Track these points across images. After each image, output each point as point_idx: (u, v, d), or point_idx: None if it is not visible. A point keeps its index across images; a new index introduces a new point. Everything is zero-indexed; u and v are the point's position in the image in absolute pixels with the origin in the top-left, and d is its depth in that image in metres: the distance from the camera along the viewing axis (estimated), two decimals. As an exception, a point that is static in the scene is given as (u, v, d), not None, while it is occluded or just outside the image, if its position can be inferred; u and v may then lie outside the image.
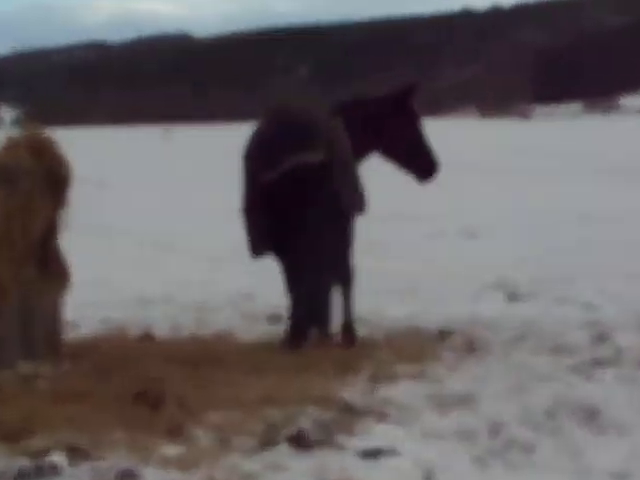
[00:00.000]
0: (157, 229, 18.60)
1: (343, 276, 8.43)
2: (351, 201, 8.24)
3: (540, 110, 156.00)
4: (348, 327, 8.49)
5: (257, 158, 8.19)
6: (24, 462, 5.38)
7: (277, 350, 8.00)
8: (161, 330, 9.12)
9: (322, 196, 8.02)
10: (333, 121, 8.35)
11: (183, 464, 5.43)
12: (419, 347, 8.15)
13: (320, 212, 8.00)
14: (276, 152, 8.03)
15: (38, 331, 7.49)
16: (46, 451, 5.51)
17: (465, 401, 6.57)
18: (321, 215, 8.00)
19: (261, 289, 10.92)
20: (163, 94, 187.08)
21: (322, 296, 8.21)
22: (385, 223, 16.87)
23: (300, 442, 5.74)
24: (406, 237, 16.44)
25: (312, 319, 8.23)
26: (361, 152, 8.67)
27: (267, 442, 5.77)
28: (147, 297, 11.01)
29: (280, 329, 8.78)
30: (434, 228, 17.42)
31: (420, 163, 8.91)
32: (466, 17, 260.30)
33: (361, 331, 8.69)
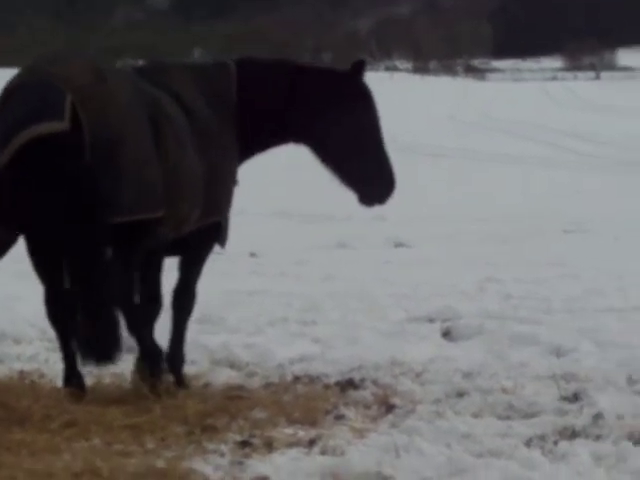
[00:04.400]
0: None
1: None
2: (121, 195, 5.75)
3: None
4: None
5: None
6: None
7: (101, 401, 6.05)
8: None
9: (66, 190, 5.62)
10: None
11: None
12: (312, 402, 6.44)
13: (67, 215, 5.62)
14: (7, 125, 5.67)
15: None
16: None
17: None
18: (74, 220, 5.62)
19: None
20: None
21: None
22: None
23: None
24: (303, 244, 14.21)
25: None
26: (266, 139, 6.63)
27: None
28: None
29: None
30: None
31: (372, 178, 6.60)
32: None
33: (232, 377, 6.94)
